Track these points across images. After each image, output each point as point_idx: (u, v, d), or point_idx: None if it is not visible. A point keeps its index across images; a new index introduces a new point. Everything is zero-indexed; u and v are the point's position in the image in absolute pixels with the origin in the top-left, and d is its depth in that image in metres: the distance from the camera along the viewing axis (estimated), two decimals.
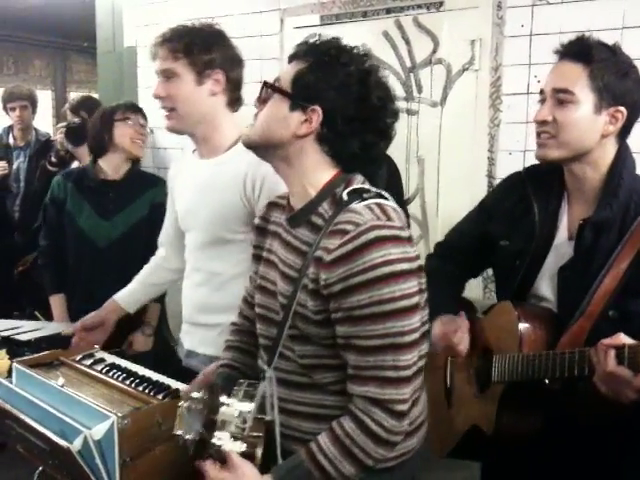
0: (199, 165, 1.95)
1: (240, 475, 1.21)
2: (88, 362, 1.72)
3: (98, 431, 1.33)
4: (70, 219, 2.66)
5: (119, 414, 1.35)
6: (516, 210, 1.68)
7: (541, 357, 1.48)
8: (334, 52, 1.30)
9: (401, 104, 2.75)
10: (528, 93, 2.51)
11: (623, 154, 1.54)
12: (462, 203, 1.92)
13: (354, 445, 1.23)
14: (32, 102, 4.30)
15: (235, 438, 1.21)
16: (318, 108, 1.28)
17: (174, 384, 1.59)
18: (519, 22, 2.53)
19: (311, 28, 3.08)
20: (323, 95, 1.28)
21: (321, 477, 1.23)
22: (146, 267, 2.22)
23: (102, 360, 1.75)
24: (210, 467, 1.22)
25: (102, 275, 2.58)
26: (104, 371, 1.66)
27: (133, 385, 1.57)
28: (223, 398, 1.22)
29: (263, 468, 1.25)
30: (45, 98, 9.32)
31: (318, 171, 1.33)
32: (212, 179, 1.88)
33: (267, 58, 3.30)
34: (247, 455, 1.22)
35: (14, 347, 2.00)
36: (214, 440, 1.18)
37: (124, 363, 1.73)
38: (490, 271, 1.90)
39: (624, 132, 1.54)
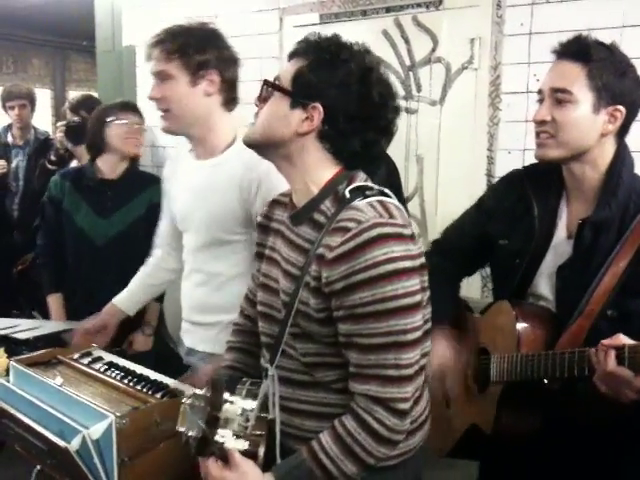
0: (195, 166, 1.94)
1: (242, 474, 1.21)
2: (86, 361, 1.72)
3: (96, 431, 1.33)
4: (68, 218, 2.66)
5: (117, 413, 1.35)
6: (516, 209, 1.67)
7: (540, 357, 1.48)
8: (334, 49, 1.30)
9: (400, 103, 2.74)
10: (527, 92, 2.50)
11: (622, 153, 1.54)
12: (461, 202, 1.91)
13: (356, 444, 1.23)
14: (31, 101, 4.29)
15: (237, 436, 1.21)
16: (319, 106, 1.28)
17: (173, 383, 1.59)
18: (518, 21, 2.53)
19: (310, 27, 3.07)
20: (324, 92, 1.28)
21: (323, 476, 1.23)
22: (143, 268, 2.21)
23: (100, 359, 1.75)
24: (212, 465, 1.22)
25: (100, 273, 2.58)
26: (102, 370, 1.65)
27: (131, 384, 1.56)
28: (226, 395, 1.21)
29: (265, 467, 1.25)
30: (44, 97, 9.31)
31: (320, 169, 1.33)
32: (209, 181, 1.87)
33: (266, 57, 3.30)
34: (250, 454, 1.22)
35: (12, 346, 1.99)
36: (216, 437, 1.18)
37: (122, 362, 1.72)
38: (489, 270, 1.89)
39: (623, 131, 1.54)
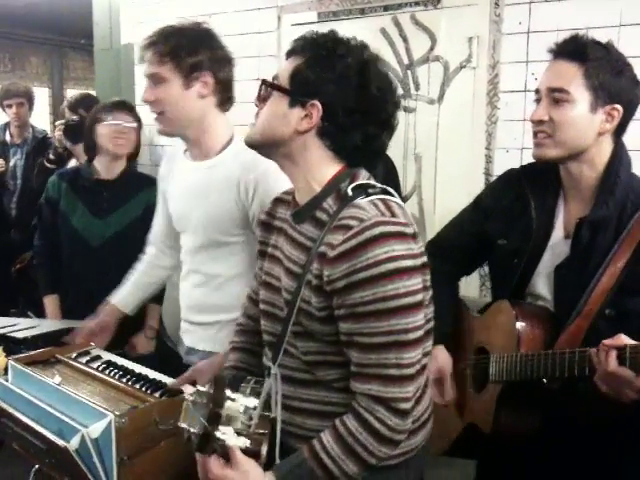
0: (191, 167, 1.93)
1: (243, 472, 1.20)
2: (84, 360, 1.72)
3: (95, 429, 1.33)
4: (64, 218, 2.65)
5: (117, 412, 1.35)
6: (513, 208, 1.67)
7: (540, 357, 1.48)
8: (331, 45, 1.29)
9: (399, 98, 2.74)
10: (525, 91, 2.50)
11: (619, 152, 1.54)
12: (459, 200, 1.92)
13: (357, 444, 1.22)
14: (29, 99, 4.29)
15: (239, 434, 1.20)
16: (317, 103, 1.27)
17: (171, 382, 1.59)
18: (517, 19, 2.53)
19: (308, 25, 3.07)
20: (322, 89, 1.27)
21: (324, 475, 1.23)
22: (138, 267, 2.21)
23: (98, 357, 1.75)
24: (214, 463, 1.22)
25: (96, 274, 2.57)
26: (101, 369, 1.66)
27: (130, 383, 1.57)
28: (229, 392, 1.21)
29: (267, 466, 1.25)
30: (42, 95, 9.28)
31: (322, 166, 1.32)
32: (205, 183, 1.87)
33: (264, 55, 3.30)
34: (252, 452, 1.22)
35: (10, 345, 1.99)
36: (218, 434, 1.17)
37: (120, 361, 1.73)
38: (487, 269, 1.89)
39: (620, 130, 1.54)
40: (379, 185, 1.31)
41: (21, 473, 1.63)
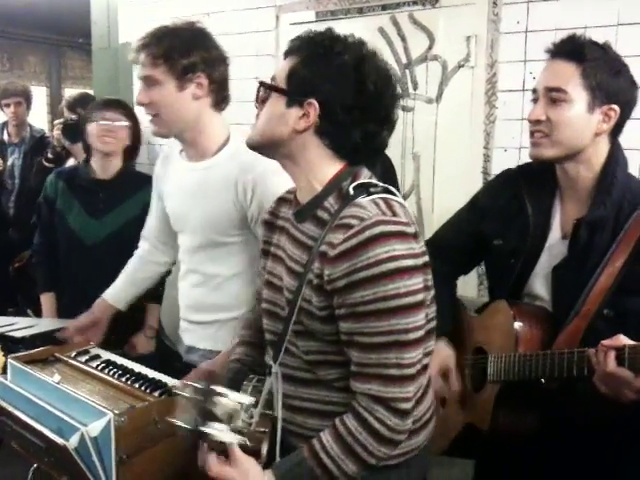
0: (187, 167, 1.93)
1: (242, 470, 1.21)
2: (83, 359, 1.72)
3: (95, 428, 1.33)
4: (60, 218, 2.65)
5: (116, 411, 1.35)
6: (509, 208, 1.68)
7: (538, 357, 1.48)
8: (327, 43, 1.29)
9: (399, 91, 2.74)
10: (523, 90, 2.51)
11: (616, 152, 1.55)
12: (458, 200, 1.91)
13: (357, 443, 1.22)
14: (27, 98, 4.29)
15: (240, 432, 1.21)
16: (314, 101, 1.27)
17: (170, 381, 1.59)
18: (515, 19, 2.53)
19: (307, 24, 3.06)
20: (318, 88, 1.27)
21: (323, 475, 1.23)
22: (131, 263, 2.21)
23: (98, 357, 1.75)
24: (213, 461, 1.22)
25: (91, 274, 2.56)
26: (100, 368, 1.66)
27: (129, 382, 1.57)
28: (221, 389, 1.22)
29: (268, 464, 1.26)
30: (40, 94, 9.27)
31: (323, 165, 1.32)
32: (202, 184, 1.86)
33: (262, 55, 3.30)
34: (253, 450, 1.22)
35: (9, 344, 2.00)
36: (207, 430, 1.18)
37: (120, 360, 1.73)
38: (484, 268, 1.90)
39: (616, 130, 1.55)
40: (381, 184, 1.31)
41: (20, 472, 1.63)
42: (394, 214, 1.24)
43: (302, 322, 1.29)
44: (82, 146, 2.78)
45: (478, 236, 1.75)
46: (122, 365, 1.68)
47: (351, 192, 1.27)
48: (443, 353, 1.71)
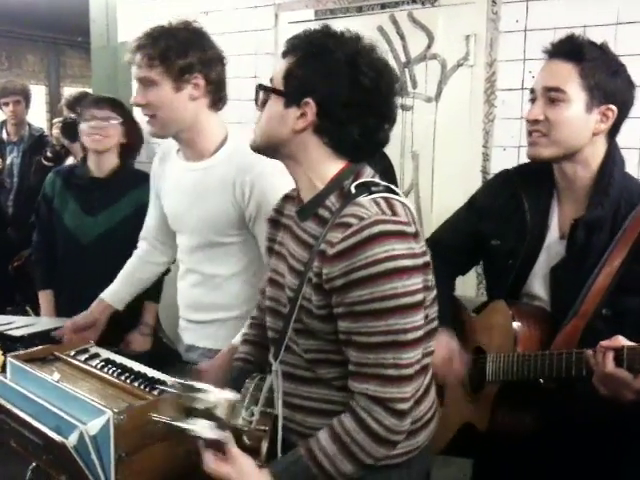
0: (185, 167, 1.92)
1: (238, 467, 1.21)
2: (83, 357, 1.72)
3: (94, 426, 1.33)
4: (57, 216, 2.65)
5: (115, 409, 1.35)
6: (507, 209, 1.68)
7: (537, 357, 1.48)
8: (321, 41, 1.29)
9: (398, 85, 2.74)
10: (522, 89, 2.51)
11: (613, 152, 1.55)
12: (457, 199, 1.92)
13: (353, 443, 1.22)
14: (25, 97, 4.29)
15: (240, 430, 1.21)
16: (310, 100, 1.27)
17: (170, 380, 1.59)
18: (514, 17, 2.53)
19: (306, 23, 3.07)
20: (314, 86, 1.27)
21: (319, 474, 1.23)
22: (129, 263, 2.21)
23: (97, 355, 1.75)
24: (209, 458, 1.23)
25: (87, 272, 2.56)
26: (99, 366, 1.65)
27: (128, 381, 1.57)
28: (200, 384, 1.21)
29: (269, 462, 1.26)
30: (39, 93, 9.27)
31: (324, 164, 1.32)
32: (201, 184, 1.86)
33: (261, 53, 3.30)
34: (252, 448, 1.22)
35: (7, 342, 2.00)
36: (184, 424, 1.17)
37: (119, 359, 1.73)
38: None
39: (614, 131, 1.55)
40: (383, 183, 1.31)
41: (18, 471, 1.63)
42: (394, 213, 1.23)
43: (302, 320, 1.29)
44: (80, 145, 2.77)
45: (476, 236, 1.75)
46: (121, 364, 1.68)
47: (353, 191, 1.27)
48: (444, 340, 1.70)
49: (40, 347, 1.75)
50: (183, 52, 1.79)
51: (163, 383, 1.51)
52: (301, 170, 1.35)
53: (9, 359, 1.65)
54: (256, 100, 1.37)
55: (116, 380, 1.57)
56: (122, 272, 2.19)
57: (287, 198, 1.49)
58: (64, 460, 1.36)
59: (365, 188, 1.27)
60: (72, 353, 1.73)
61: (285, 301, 1.35)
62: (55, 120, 3.65)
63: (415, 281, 1.21)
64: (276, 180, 1.74)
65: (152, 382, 1.56)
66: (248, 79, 3.16)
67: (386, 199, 1.26)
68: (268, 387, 1.32)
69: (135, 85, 1.86)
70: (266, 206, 1.76)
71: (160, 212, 2.09)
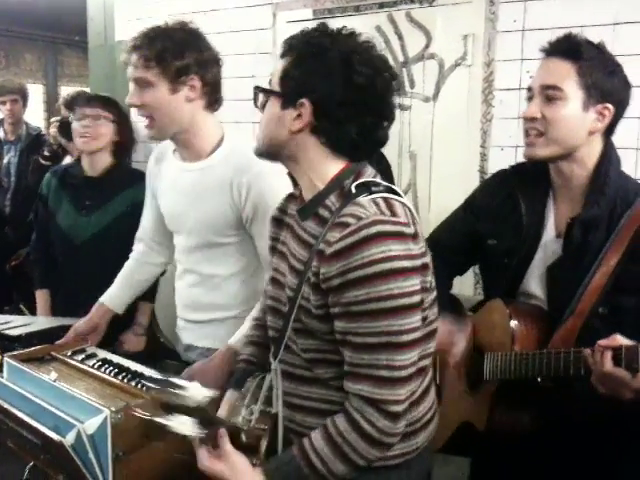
0: (181, 168, 1.92)
1: (231, 465, 1.21)
2: (80, 357, 1.72)
3: (91, 425, 1.33)
4: (51, 216, 2.64)
5: (112, 408, 1.35)
6: (503, 208, 1.68)
7: (535, 356, 1.48)
8: (316, 40, 1.28)
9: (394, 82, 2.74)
10: (520, 88, 2.51)
11: (609, 151, 1.55)
12: (454, 198, 1.92)
13: (345, 444, 1.22)
14: (23, 96, 4.28)
15: (240, 428, 1.21)
16: (306, 101, 1.27)
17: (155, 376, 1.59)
18: (511, 17, 2.54)
19: (304, 22, 3.06)
20: (309, 87, 1.27)
21: (311, 474, 1.23)
22: (127, 265, 2.19)
23: (94, 355, 1.75)
24: (203, 455, 1.23)
25: (80, 272, 2.54)
26: (96, 366, 1.65)
27: (126, 380, 1.57)
28: (180, 381, 1.22)
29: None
30: (36, 92, 9.25)
31: (323, 164, 1.32)
32: (197, 185, 1.86)
33: (260, 53, 3.30)
34: (251, 447, 1.22)
35: (5, 342, 1.99)
36: (160, 420, 1.18)
37: (116, 358, 1.73)
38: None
39: (609, 130, 1.55)
40: (384, 183, 1.30)
41: (16, 470, 1.63)
42: (393, 214, 1.23)
43: (301, 320, 1.29)
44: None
45: (473, 236, 1.76)
46: (118, 363, 1.68)
47: (353, 190, 1.27)
48: (448, 319, 1.69)
49: (37, 347, 1.75)
50: (180, 53, 1.78)
51: (150, 379, 1.51)
52: (301, 171, 1.35)
53: (5, 359, 1.64)
54: (255, 101, 1.37)
55: (113, 379, 1.57)
56: (120, 275, 2.18)
57: (290, 197, 1.49)
58: (62, 459, 1.36)
59: (365, 188, 1.27)
60: (69, 353, 1.73)
61: (285, 300, 1.35)
62: (52, 119, 3.64)
63: (412, 282, 1.21)
64: (273, 181, 1.74)
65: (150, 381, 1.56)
66: (246, 79, 3.16)
67: (386, 199, 1.25)
68: (268, 386, 1.32)
69: (132, 85, 1.85)
70: (263, 207, 1.76)
71: (156, 213, 2.09)
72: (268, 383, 1.32)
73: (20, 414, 1.44)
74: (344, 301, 1.20)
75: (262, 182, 1.76)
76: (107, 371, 1.62)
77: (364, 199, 1.24)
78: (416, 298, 1.22)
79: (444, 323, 1.68)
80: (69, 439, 1.31)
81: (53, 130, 3.47)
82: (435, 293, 1.34)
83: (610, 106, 1.51)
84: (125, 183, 2.58)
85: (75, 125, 2.56)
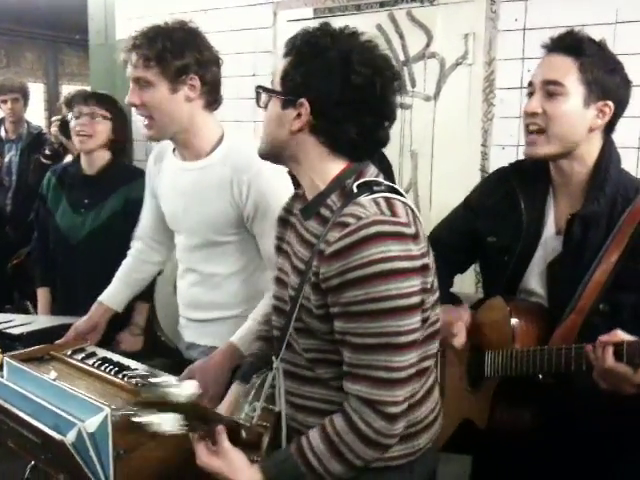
0: (181, 167, 1.92)
1: (229, 461, 1.22)
2: (79, 356, 1.72)
3: (92, 424, 1.33)
4: (50, 215, 2.65)
5: (113, 407, 1.35)
6: (502, 206, 1.68)
7: (536, 352, 1.48)
8: (315, 40, 1.28)
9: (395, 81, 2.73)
10: (521, 87, 2.51)
11: (608, 149, 1.55)
12: (455, 197, 1.91)
13: (342, 444, 1.22)
14: (24, 95, 4.28)
15: (240, 425, 1.21)
16: (304, 101, 1.26)
17: (167, 378, 1.59)
18: (512, 16, 2.53)
19: (304, 21, 3.06)
20: (308, 86, 1.26)
21: (308, 472, 1.23)
22: (125, 264, 2.19)
23: (93, 354, 1.75)
24: (201, 451, 1.24)
25: (77, 271, 2.55)
26: (96, 365, 1.66)
27: (125, 379, 1.57)
28: (160, 379, 1.22)
29: None
30: (37, 91, 9.25)
31: (323, 164, 1.31)
32: (197, 184, 1.86)
33: (260, 51, 3.30)
34: (252, 444, 1.22)
35: (6, 341, 2.00)
36: (143, 419, 1.17)
37: (116, 357, 1.73)
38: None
39: (609, 128, 1.55)
40: (386, 182, 1.29)
41: (17, 469, 1.63)
42: (394, 214, 1.22)
43: (302, 319, 1.29)
44: None
45: (473, 234, 1.75)
46: (118, 362, 1.68)
47: (354, 190, 1.26)
48: (452, 307, 1.69)
49: (36, 347, 1.75)
50: (180, 53, 1.78)
51: (145, 377, 1.51)
52: (303, 171, 1.34)
53: (5, 359, 1.64)
54: (257, 101, 1.37)
55: (113, 378, 1.57)
56: (118, 274, 2.18)
57: (296, 197, 1.48)
58: (63, 458, 1.36)
59: (367, 187, 1.26)
60: (69, 352, 1.74)
61: (288, 299, 1.35)
62: (53, 118, 3.64)
63: (411, 283, 1.20)
64: (273, 179, 1.74)
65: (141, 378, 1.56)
66: (246, 77, 3.16)
67: (387, 199, 1.24)
68: (269, 384, 1.32)
69: (131, 84, 1.85)
70: (264, 205, 1.76)
71: (156, 211, 2.08)
72: (269, 381, 1.32)
73: (20, 413, 1.45)
74: (343, 301, 1.20)
75: (262, 180, 1.76)
76: (107, 370, 1.62)
77: (365, 199, 1.24)
78: (415, 299, 1.21)
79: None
80: (70, 437, 1.32)
81: (54, 129, 3.48)
82: (437, 294, 1.33)
83: (610, 103, 1.51)
84: (121, 181, 2.58)
85: (72, 124, 2.56)
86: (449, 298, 1.79)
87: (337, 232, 1.20)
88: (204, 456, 1.23)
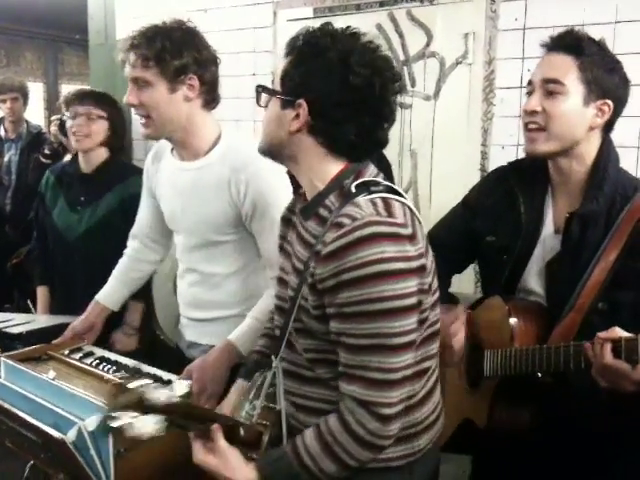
0: (179, 167, 1.92)
1: (224, 459, 1.22)
2: (77, 356, 1.72)
3: (92, 422, 1.33)
4: (48, 213, 2.65)
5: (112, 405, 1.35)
6: (501, 205, 1.68)
7: (535, 351, 1.48)
8: (315, 40, 1.28)
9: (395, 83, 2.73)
10: (521, 87, 2.50)
11: (607, 148, 1.56)
12: (455, 197, 1.92)
13: (336, 444, 1.22)
14: (23, 94, 4.28)
15: (240, 424, 1.22)
16: (303, 101, 1.26)
17: (165, 375, 1.60)
18: (512, 16, 2.53)
19: (304, 21, 3.06)
20: (307, 87, 1.26)
21: (302, 472, 1.23)
22: (121, 263, 2.19)
23: (91, 353, 1.75)
24: (198, 450, 1.24)
25: (74, 270, 2.56)
26: (94, 364, 1.66)
27: (125, 378, 1.57)
28: (142, 381, 1.23)
29: None
30: (37, 90, 9.25)
31: (322, 164, 1.31)
32: (196, 184, 1.86)
33: (260, 51, 3.29)
34: (252, 442, 1.23)
35: (6, 340, 2.00)
36: (114, 415, 1.19)
37: (114, 356, 1.73)
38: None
39: (608, 127, 1.56)
40: (385, 182, 1.29)
41: (17, 469, 1.63)
42: (390, 214, 1.21)
43: (301, 320, 1.29)
44: None
45: (471, 234, 1.76)
46: (116, 361, 1.68)
47: (353, 190, 1.26)
48: (452, 307, 1.69)
49: (34, 347, 1.75)
50: (178, 53, 1.78)
51: (167, 383, 1.51)
52: (302, 171, 1.34)
53: (3, 359, 1.64)
54: (257, 100, 1.37)
55: (112, 377, 1.57)
56: (115, 272, 2.18)
57: (298, 197, 1.48)
58: (63, 457, 1.36)
59: (365, 188, 1.26)
60: (66, 352, 1.74)
61: (288, 299, 1.35)
62: (53, 117, 3.64)
63: (407, 284, 1.19)
64: (271, 178, 1.74)
65: (148, 378, 1.56)
66: (246, 77, 3.16)
67: (384, 199, 1.24)
68: (269, 383, 1.32)
69: (130, 84, 1.85)
70: (262, 203, 1.76)
71: (153, 210, 2.08)
72: (269, 380, 1.32)
73: (20, 413, 1.45)
74: (338, 302, 1.20)
75: (260, 179, 1.76)
76: (105, 369, 1.62)
77: (362, 199, 1.23)
78: (411, 300, 1.20)
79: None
80: (70, 436, 1.32)
81: (53, 128, 3.47)
82: (437, 294, 1.33)
83: (610, 102, 1.51)
84: (117, 178, 2.58)
85: (69, 124, 2.56)
86: (447, 298, 1.79)
87: (333, 233, 1.20)
88: (200, 454, 1.24)
